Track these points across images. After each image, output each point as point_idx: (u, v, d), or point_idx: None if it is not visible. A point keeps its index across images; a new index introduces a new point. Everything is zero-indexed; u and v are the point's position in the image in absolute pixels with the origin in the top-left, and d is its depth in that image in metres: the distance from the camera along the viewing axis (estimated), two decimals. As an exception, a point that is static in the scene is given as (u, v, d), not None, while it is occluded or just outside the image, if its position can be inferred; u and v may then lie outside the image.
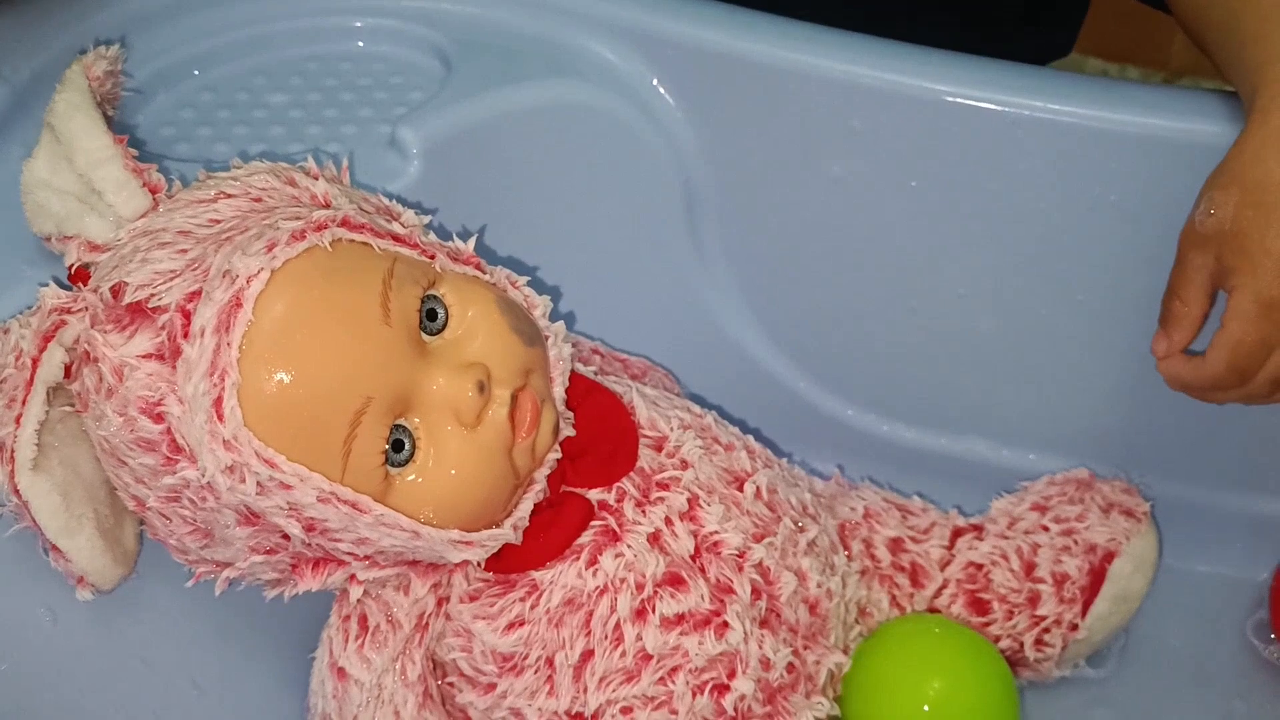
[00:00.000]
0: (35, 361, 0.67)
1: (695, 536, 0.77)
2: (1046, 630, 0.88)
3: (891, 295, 1.00)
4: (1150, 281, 0.85)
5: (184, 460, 0.64)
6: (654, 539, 0.76)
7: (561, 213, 0.99)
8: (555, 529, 0.74)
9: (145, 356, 0.64)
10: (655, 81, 0.97)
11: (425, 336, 0.69)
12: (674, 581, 0.75)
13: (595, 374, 0.82)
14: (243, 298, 0.63)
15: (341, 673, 0.74)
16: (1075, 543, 0.89)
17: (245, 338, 0.63)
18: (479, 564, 0.74)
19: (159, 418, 0.64)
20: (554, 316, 0.77)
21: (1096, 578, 0.88)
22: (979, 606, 0.89)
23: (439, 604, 0.75)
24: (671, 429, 0.80)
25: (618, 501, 0.76)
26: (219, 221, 0.68)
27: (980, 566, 0.89)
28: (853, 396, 1.05)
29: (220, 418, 0.63)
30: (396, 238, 0.70)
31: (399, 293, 0.67)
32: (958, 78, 0.90)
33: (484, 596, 0.75)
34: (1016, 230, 0.93)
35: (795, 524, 0.81)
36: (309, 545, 0.67)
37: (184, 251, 0.66)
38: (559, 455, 0.74)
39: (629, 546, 0.75)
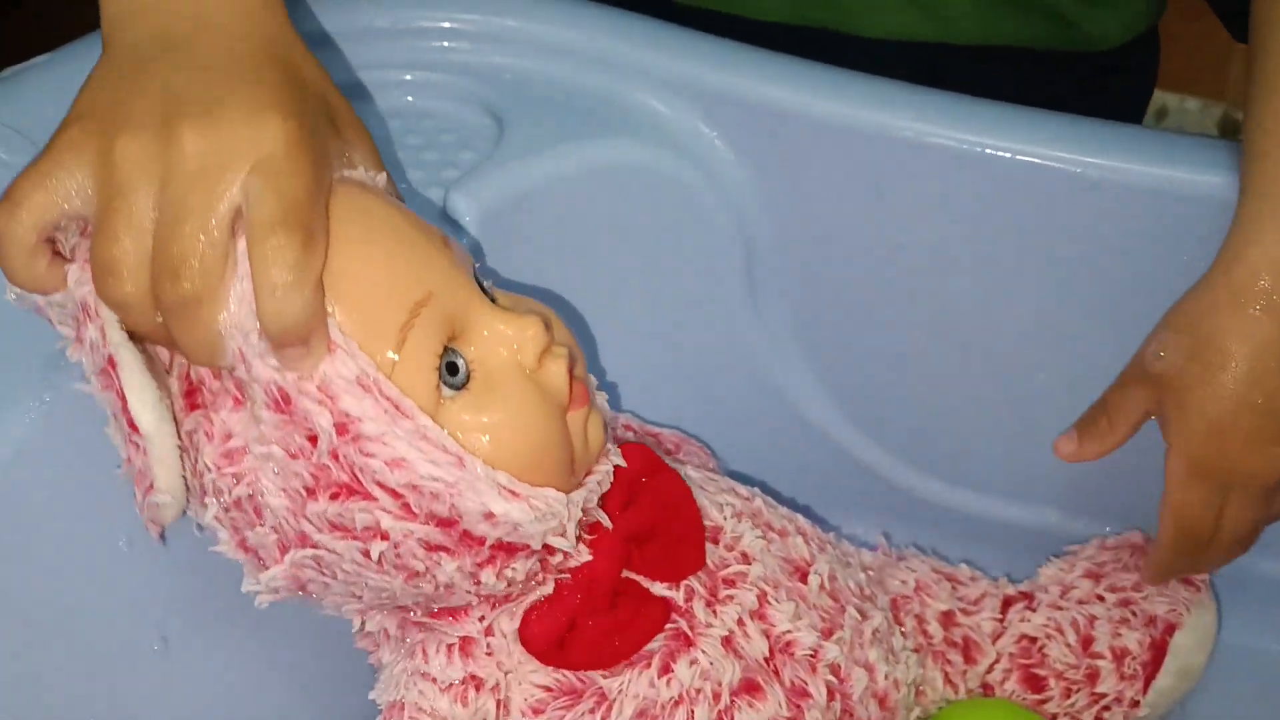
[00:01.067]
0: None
1: (768, 637, 0.74)
2: (1107, 709, 0.86)
3: (963, 363, 0.98)
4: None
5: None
6: (727, 642, 0.73)
7: (617, 277, 0.98)
8: (629, 630, 0.71)
9: None
10: (716, 139, 0.96)
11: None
12: (750, 689, 0.73)
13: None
14: None
15: None
16: (1134, 614, 0.86)
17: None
18: (512, 637, 0.69)
19: None
20: (603, 381, 0.76)
21: (1158, 652, 0.86)
22: (1034, 683, 0.87)
23: (499, 707, 0.71)
24: (726, 518, 0.78)
25: (686, 601, 0.73)
26: None
27: (1034, 640, 0.87)
28: (922, 465, 1.04)
29: None
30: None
31: (458, 251, 0.66)
32: (1032, 135, 0.88)
33: (549, 710, 0.70)
34: (1093, 294, 0.91)
35: (859, 613, 0.80)
36: (336, 458, 0.61)
37: None
38: (610, 471, 0.70)
39: (704, 652, 0.72)
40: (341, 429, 0.60)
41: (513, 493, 0.63)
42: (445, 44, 1.00)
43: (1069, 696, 0.86)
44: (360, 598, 0.67)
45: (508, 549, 0.65)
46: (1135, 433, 0.82)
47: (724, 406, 1.02)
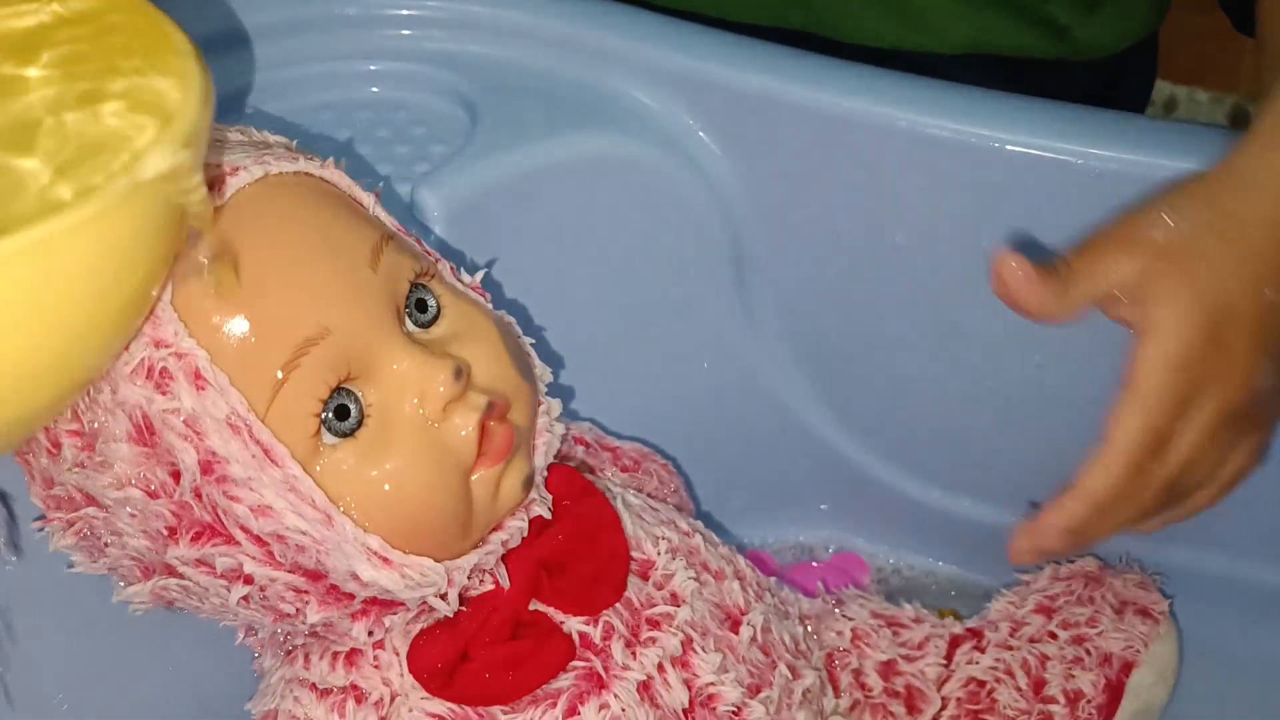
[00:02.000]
0: None
1: (689, 687, 0.71)
2: (1062, 755, 0.83)
3: (959, 361, 0.96)
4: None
5: None
6: (644, 688, 0.69)
7: (596, 273, 0.96)
8: (529, 664, 0.67)
9: None
10: (699, 130, 0.94)
11: (410, 325, 0.63)
12: None
13: (575, 469, 0.77)
14: (222, 185, 0.58)
15: None
16: (1088, 653, 0.83)
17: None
18: (402, 656, 0.66)
19: None
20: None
21: (1114, 693, 0.83)
22: (985, 731, 0.85)
23: None
24: (660, 553, 0.74)
25: (604, 639, 0.70)
26: None
27: (983, 684, 0.84)
28: (912, 464, 1.02)
29: None
30: (400, 229, 0.67)
31: (393, 257, 0.63)
32: (1029, 125, 0.86)
33: None
34: None
35: (790, 671, 0.77)
36: (199, 497, 0.58)
37: None
38: (524, 527, 0.66)
39: (616, 696, 0.68)
40: (207, 468, 0.58)
41: (383, 559, 0.60)
42: (416, 32, 0.98)
43: (1021, 744, 0.84)
44: (235, 617, 0.65)
45: (382, 604, 0.63)
46: (1092, 304, 0.71)
47: (708, 410, 1.01)
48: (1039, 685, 0.83)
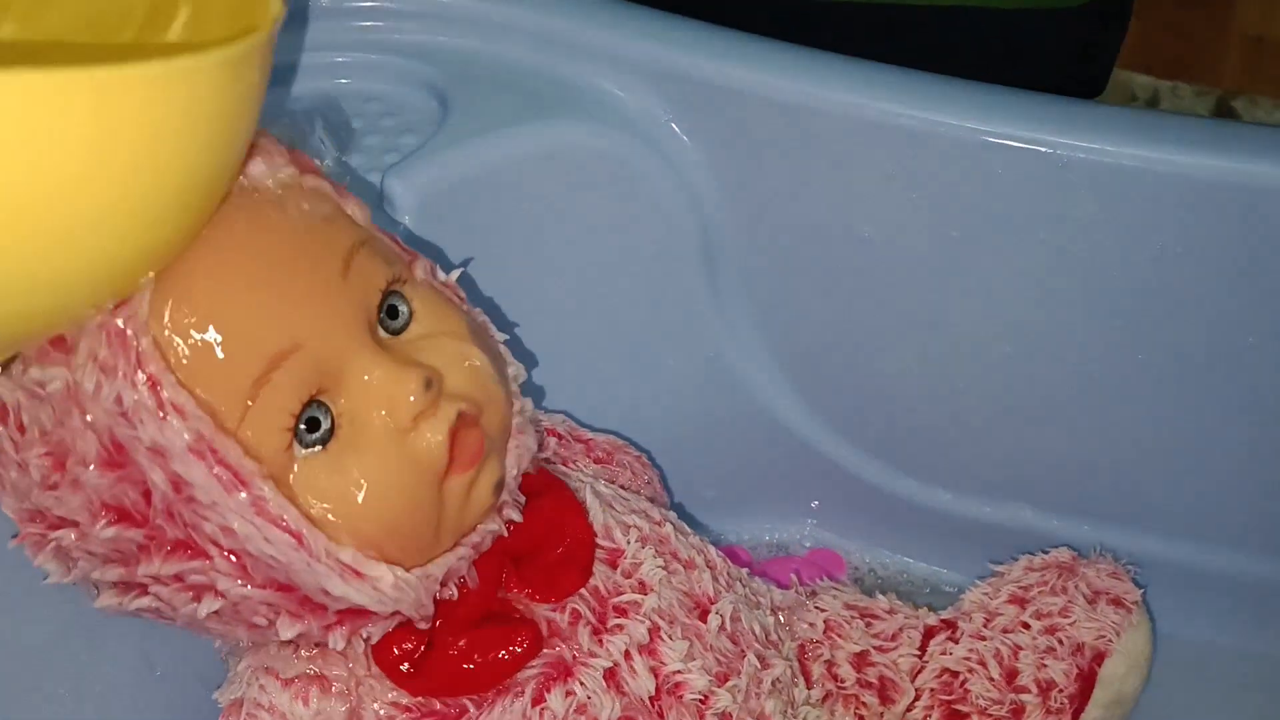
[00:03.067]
0: None
1: (656, 675, 0.70)
2: (1034, 744, 0.83)
3: (929, 352, 0.96)
4: (1211, 337, 0.81)
5: (61, 354, 0.57)
6: (610, 676, 0.69)
7: (567, 265, 0.96)
8: (496, 653, 0.67)
9: None
10: (670, 121, 0.93)
11: (381, 332, 0.62)
12: None
13: (548, 462, 0.77)
14: None
15: None
16: (1060, 642, 0.83)
17: None
18: (368, 646, 0.65)
19: None
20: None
21: (1086, 682, 0.83)
22: (957, 720, 0.84)
23: (349, 717, 0.66)
24: (629, 541, 0.74)
25: (570, 625, 0.69)
26: None
27: (956, 674, 0.84)
28: (889, 458, 1.02)
29: (120, 304, 0.56)
30: (378, 229, 0.66)
31: (365, 264, 0.61)
32: (1002, 116, 0.86)
33: None
34: (1069, 282, 0.90)
35: (759, 660, 0.76)
36: (172, 516, 0.58)
37: None
38: (497, 529, 0.66)
39: (582, 684, 0.68)
40: (176, 488, 0.57)
41: (355, 572, 0.60)
42: (387, 24, 0.97)
43: (994, 734, 0.84)
44: (208, 631, 0.65)
45: (356, 613, 0.62)
46: None
47: (680, 402, 1.01)
48: (1011, 675, 0.83)
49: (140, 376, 0.56)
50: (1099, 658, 0.83)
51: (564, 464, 0.83)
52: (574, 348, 0.97)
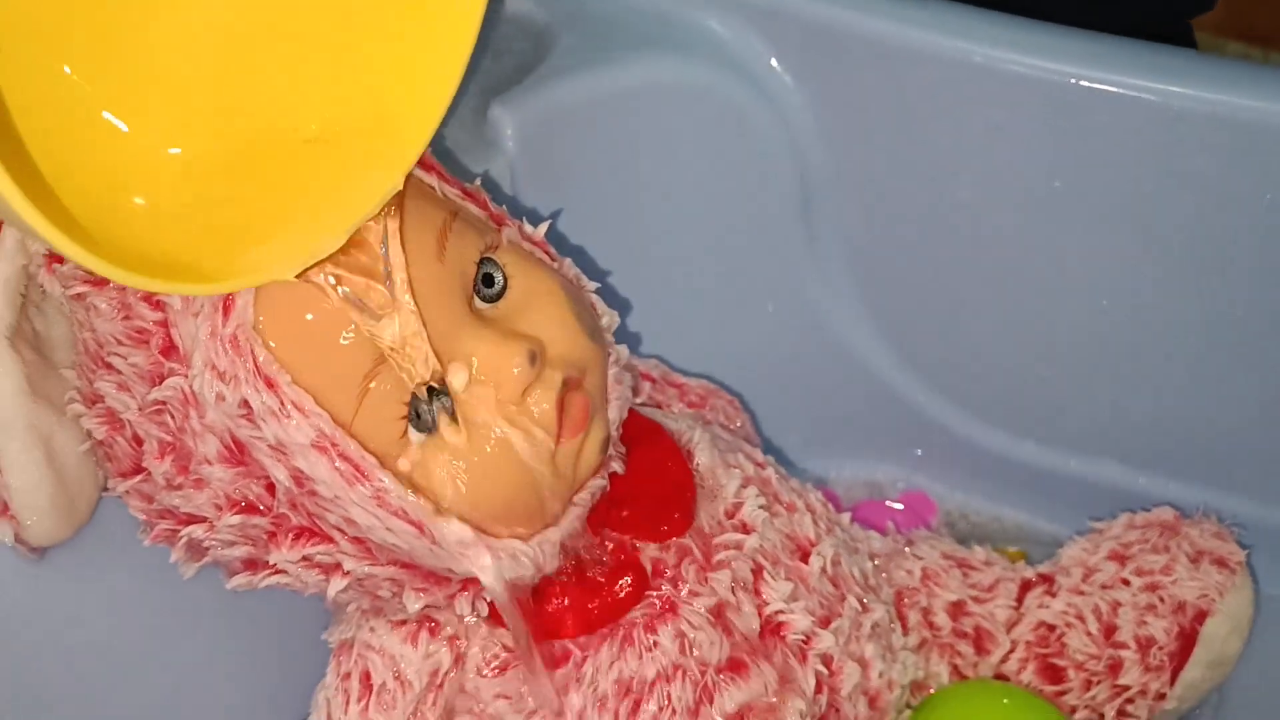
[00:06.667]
0: None
1: (759, 614, 0.71)
2: (1130, 701, 0.81)
3: (1027, 304, 0.95)
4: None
5: (175, 363, 0.58)
6: (717, 613, 0.69)
7: (663, 205, 0.95)
8: (605, 594, 0.67)
9: None
10: (773, 60, 0.92)
11: (479, 302, 0.63)
12: (735, 667, 0.69)
13: (643, 404, 0.77)
14: None
15: None
16: (1161, 600, 0.81)
17: None
18: (485, 605, 0.66)
19: (159, 305, 0.59)
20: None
21: (1187, 641, 0.81)
22: (1052, 674, 0.82)
23: (456, 661, 0.68)
24: (732, 482, 0.74)
25: (675, 566, 0.69)
26: None
27: (1053, 628, 0.82)
28: (979, 411, 1.01)
29: (226, 312, 0.57)
30: (466, 192, 0.66)
31: (458, 240, 0.62)
32: (1111, 64, 0.84)
33: (511, 671, 0.68)
34: (1172, 236, 0.88)
35: (859, 604, 0.76)
36: (296, 506, 0.60)
37: None
38: (605, 484, 0.67)
39: (689, 623, 0.68)
40: (298, 482, 0.59)
41: (477, 550, 0.61)
42: (498, -47, 0.97)
43: (1089, 689, 0.82)
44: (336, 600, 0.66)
45: (479, 582, 0.63)
46: None
47: (772, 348, 1.00)
48: (1110, 630, 0.82)
49: (259, 380, 0.57)
50: (1200, 617, 0.81)
51: (659, 409, 0.82)
52: (667, 291, 0.97)
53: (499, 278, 0.64)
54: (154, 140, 0.59)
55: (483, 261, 0.63)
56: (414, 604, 0.63)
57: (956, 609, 0.84)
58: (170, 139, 0.59)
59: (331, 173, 0.59)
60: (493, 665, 0.69)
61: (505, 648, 0.68)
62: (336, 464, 0.58)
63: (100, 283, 0.61)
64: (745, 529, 0.72)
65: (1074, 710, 0.83)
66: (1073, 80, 0.85)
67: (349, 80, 0.60)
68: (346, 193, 0.58)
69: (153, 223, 0.56)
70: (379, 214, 0.58)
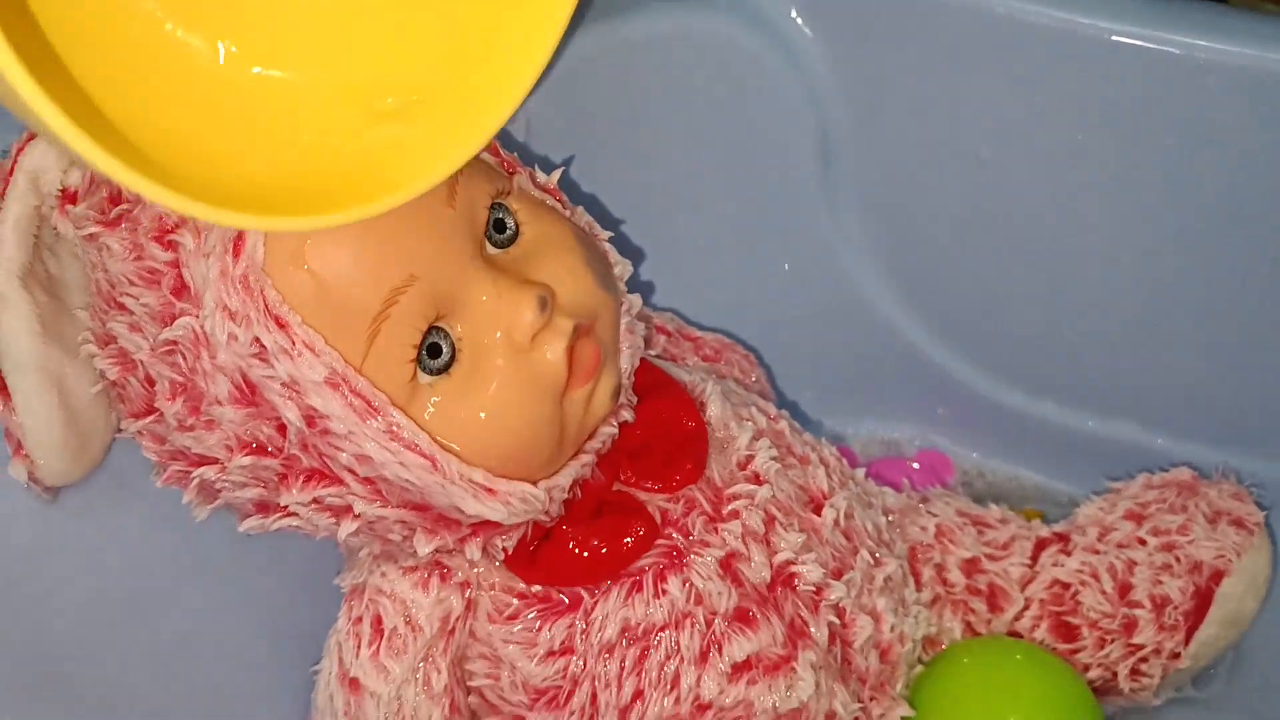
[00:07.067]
0: (18, 150, 0.63)
1: (770, 565, 0.71)
2: (1144, 660, 0.81)
3: (1048, 261, 0.94)
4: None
5: (186, 303, 0.59)
6: (726, 564, 0.69)
7: (680, 155, 0.95)
8: (615, 541, 0.67)
9: None
10: (793, 12, 0.91)
11: (490, 248, 0.63)
12: (743, 618, 0.69)
13: (658, 356, 0.77)
14: None
15: (354, 684, 0.68)
16: (1177, 560, 0.81)
17: None
18: (502, 552, 0.67)
19: (171, 245, 0.59)
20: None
21: (1202, 600, 0.80)
22: (1066, 632, 0.82)
23: (467, 606, 0.69)
24: (744, 433, 0.74)
25: (685, 515, 0.70)
26: None
27: (1067, 586, 0.82)
28: (997, 370, 1.00)
29: (236, 253, 0.57)
30: None
31: (469, 185, 0.62)
32: (1137, 15, 0.83)
33: (521, 618, 0.69)
34: (1199, 194, 0.87)
35: (872, 557, 0.76)
36: (307, 448, 0.60)
37: None
38: (615, 431, 0.68)
39: (698, 573, 0.68)
40: (310, 421, 0.59)
41: (488, 490, 0.62)
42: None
43: (1103, 647, 0.81)
44: (347, 543, 0.66)
45: (488, 525, 0.64)
46: None
47: (788, 302, 1.00)
48: (1125, 589, 0.81)
49: (270, 320, 0.57)
50: (1217, 576, 0.81)
51: (674, 361, 0.82)
52: (683, 243, 0.97)
53: (510, 223, 0.64)
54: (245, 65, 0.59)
55: (494, 207, 0.63)
56: (424, 547, 0.63)
57: (971, 565, 0.84)
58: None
59: (395, 141, 0.59)
60: (504, 613, 0.69)
61: (515, 593, 0.69)
62: (350, 399, 0.58)
63: (113, 223, 0.61)
64: (757, 480, 0.73)
65: (1087, 668, 0.82)
66: (1097, 33, 0.84)
67: (437, 46, 0.60)
68: (410, 163, 0.58)
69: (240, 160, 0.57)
70: None
